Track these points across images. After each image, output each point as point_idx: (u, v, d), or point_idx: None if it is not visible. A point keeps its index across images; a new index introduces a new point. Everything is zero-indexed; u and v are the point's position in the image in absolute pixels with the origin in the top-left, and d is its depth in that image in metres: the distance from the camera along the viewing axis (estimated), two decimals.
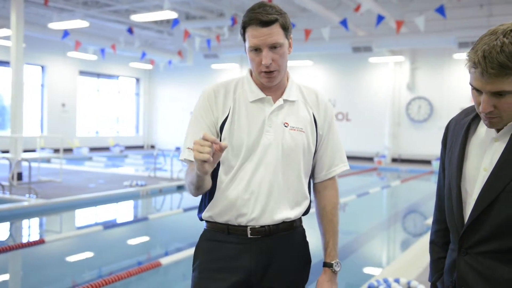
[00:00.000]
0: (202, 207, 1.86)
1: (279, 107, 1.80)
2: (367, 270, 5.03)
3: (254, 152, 1.76)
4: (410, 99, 16.57)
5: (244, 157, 1.76)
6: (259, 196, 1.74)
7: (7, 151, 11.04)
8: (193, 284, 1.83)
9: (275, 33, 1.69)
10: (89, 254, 5.56)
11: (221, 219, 1.78)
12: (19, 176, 9.71)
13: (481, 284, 1.43)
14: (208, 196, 1.82)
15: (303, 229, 1.90)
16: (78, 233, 6.49)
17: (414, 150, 16.48)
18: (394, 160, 16.65)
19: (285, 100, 1.81)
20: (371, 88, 17.28)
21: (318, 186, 1.94)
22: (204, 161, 1.47)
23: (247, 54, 1.75)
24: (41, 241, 5.70)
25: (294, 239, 1.84)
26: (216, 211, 1.78)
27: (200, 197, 1.88)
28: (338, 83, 17.85)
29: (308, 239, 1.92)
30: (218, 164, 1.77)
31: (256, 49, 1.70)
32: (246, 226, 1.75)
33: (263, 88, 1.80)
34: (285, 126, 1.79)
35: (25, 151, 11.56)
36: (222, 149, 1.49)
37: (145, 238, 6.55)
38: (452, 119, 1.68)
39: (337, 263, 1.87)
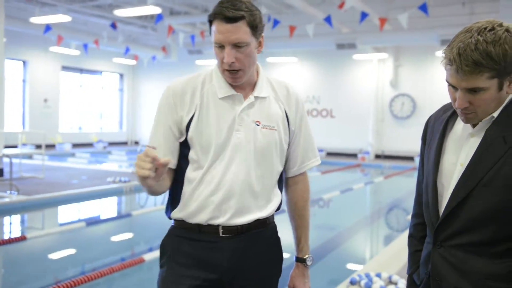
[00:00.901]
0: (170, 207, 1.80)
1: (249, 104, 1.72)
2: (350, 265, 5.08)
3: (224, 152, 1.69)
4: (394, 96, 16.71)
5: (214, 157, 1.69)
6: (231, 198, 1.69)
7: None
8: (161, 280, 1.76)
9: (240, 31, 1.60)
10: (71, 251, 5.53)
11: (191, 221, 1.72)
12: (0, 172, 9.61)
13: (454, 275, 1.47)
14: (176, 196, 1.76)
15: (275, 225, 1.86)
16: (60, 229, 6.45)
17: (397, 147, 16.63)
18: (378, 156, 16.78)
19: (256, 97, 1.74)
20: (355, 84, 17.38)
21: (290, 181, 1.90)
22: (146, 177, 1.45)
23: (214, 49, 1.67)
24: (22, 238, 5.65)
25: (267, 236, 1.80)
26: (186, 213, 1.73)
27: (167, 195, 1.83)
28: (323, 79, 17.92)
29: (281, 235, 1.90)
30: (186, 163, 1.73)
31: (220, 46, 1.63)
32: (218, 225, 1.70)
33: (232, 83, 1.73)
34: (257, 124, 1.72)
35: (7, 147, 11.42)
36: (164, 165, 1.47)
37: (129, 235, 6.53)
38: (431, 115, 1.71)
39: (309, 258, 1.88)
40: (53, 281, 4.45)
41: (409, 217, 6.74)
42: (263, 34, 1.70)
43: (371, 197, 10.60)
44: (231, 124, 1.69)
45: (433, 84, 15.80)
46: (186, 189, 1.73)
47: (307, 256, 1.88)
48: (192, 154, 1.71)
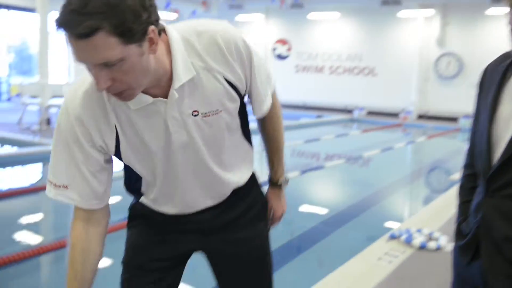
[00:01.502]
0: (136, 199, 1.62)
1: (177, 100, 1.30)
2: (388, 223, 5.05)
3: (172, 161, 1.41)
4: (439, 55, 16.16)
5: (164, 174, 1.45)
6: (205, 200, 1.53)
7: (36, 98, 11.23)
8: (129, 241, 1.62)
9: (102, 47, 1.07)
10: (116, 198, 5.71)
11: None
12: (48, 122, 9.94)
13: (505, 224, 1.44)
14: (141, 199, 1.58)
15: (254, 178, 1.67)
16: None
17: (441, 107, 16.20)
18: (421, 116, 16.43)
19: (179, 89, 1.29)
20: (400, 42, 16.86)
21: None
22: None
23: None
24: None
25: (248, 195, 1.64)
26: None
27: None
28: (366, 37, 17.45)
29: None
30: (136, 176, 1.50)
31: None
32: None
33: None
34: (195, 115, 1.34)
35: (53, 97, 11.75)
36: None
37: None
38: (489, 63, 1.64)
39: (285, 180, 1.74)
40: None
41: (452, 177, 6.60)
42: (152, 27, 1.14)
43: (412, 157, 10.46)
44: (165, 129, 1.34)
45: (482, 44, 15.15)
46: (147, 200, 1.56)
47: (281, 179, 1.73)
48: (136, 171, 1.48)
